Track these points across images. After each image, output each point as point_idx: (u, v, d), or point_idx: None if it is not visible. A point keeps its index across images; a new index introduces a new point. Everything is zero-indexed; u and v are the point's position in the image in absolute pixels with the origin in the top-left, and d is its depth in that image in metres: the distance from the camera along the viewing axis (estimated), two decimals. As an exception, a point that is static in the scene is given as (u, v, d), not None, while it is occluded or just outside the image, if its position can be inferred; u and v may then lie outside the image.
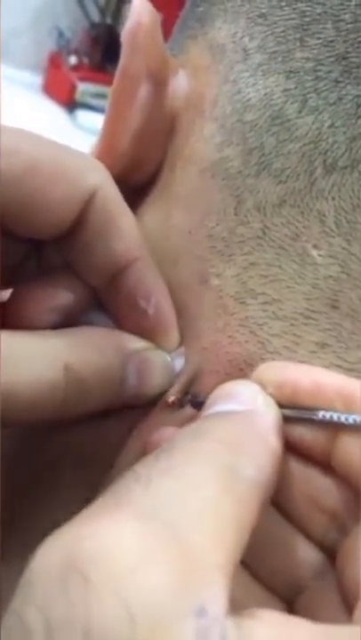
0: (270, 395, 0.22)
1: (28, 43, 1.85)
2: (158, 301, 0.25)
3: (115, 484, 0.18)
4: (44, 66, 1.92)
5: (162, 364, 0.25)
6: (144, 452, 0.23)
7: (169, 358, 0.25)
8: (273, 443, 0.21)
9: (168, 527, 0.16)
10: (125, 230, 0.25)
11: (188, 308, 0.26)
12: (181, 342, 0.26)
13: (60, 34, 1.92)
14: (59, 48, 1.93)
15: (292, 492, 0.22)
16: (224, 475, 0.18)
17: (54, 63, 1.92)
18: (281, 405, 0.22)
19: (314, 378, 0.22)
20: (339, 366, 0.24)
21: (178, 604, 0.15)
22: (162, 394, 0.25)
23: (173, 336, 0.26)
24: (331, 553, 0.22)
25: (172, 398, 0.25)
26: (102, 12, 1.93)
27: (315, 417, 0.22)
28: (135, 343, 0.25)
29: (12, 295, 0.24)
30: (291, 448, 0.22)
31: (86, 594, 0.15)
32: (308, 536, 0.23)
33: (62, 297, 0.26)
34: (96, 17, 1.94)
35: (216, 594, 0.15)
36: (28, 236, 0.25)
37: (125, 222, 0.25)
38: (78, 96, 1.86)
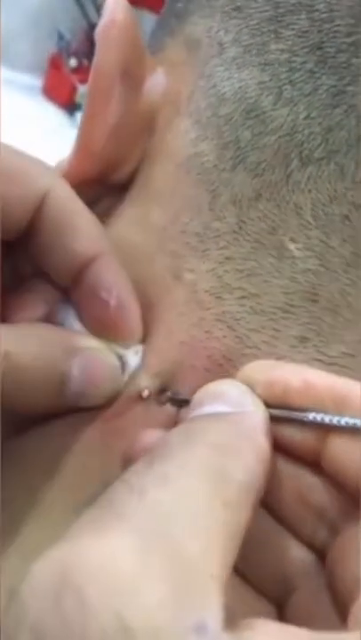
0: (259, 395, 0.22)
1: (27, 45, 1.85)
2: (120, 293, 0.25)
3: (105, 493, 0.18)
4: (44, 68, 1.92)
5: (110, 364, 0.25)
6: (126, 456, 0.23)
7: (117, 362, 0.25)
8: (262, 444, 0.21)
9: (163, 541, 0.16)
10: (82, 228, 0.25)
11: (161, 303, 0.25)
12: (145, 338, 0.25)
13: (60, 36, 1.92)
14: (59, 50, 1.93)
15: (281, 493, 0.22)
16: (216, 481, 0.18)
17: (54, 65, 1.92)
18: (269, 405, 0.22)
19: (304, 378, 0.22)
20: (320, 360, 0.24)
21: (177, 620, 0.15)
22: (109, 397, 0.25)
23: (136, 329, 0.25)
24: (320, 553, 0.22)
25: (146, 392, 0.25)
26: (101, 13, 1.93)
27: (305, 418, 0.21)
28: (85, 342, 0.25)
29: None
30: (279, 448, 0.22)
31: (82, 612, 0.14)
32: (298, 536, 0.22)
33: (40, 307, 0.26)
34: (95, 19, 1.94)
35: (214, 607, 0.15)
36: None
37: (82, 221, 0.25)
38: (78, 98, 1.85)
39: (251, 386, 0.22)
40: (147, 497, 0.17)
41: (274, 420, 0.22)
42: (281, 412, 0.22)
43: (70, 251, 0.25)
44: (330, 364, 0.24)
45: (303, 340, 0.24)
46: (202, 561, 0.16)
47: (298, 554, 0.22)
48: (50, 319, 0.26)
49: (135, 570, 0.15)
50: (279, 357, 0.24)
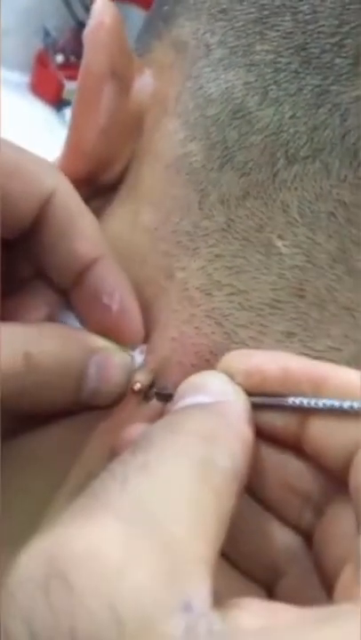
0: (239, 384, 0.23)
1: (14, 43, 1.84)
2: (122, 297, 0.25)
3: (91, 484, 0.18)
4: (31, 65, 1.91)
5: (122, 364, 0.25)
6: (113, 450, 0.24)
7: (129, 359, 0.26)
8: (245, 431, 0.21)
9: (149, 525, 0.16)
10: (86, 230, 0.25)
11: (155, 303, 0.26)
12: (146, 338, 0.26)
13: (47, 33, 1.91)
14: (45, 47, 1.92)
15: (266, 478, 0.23)
16: (200, 467, 0.18)
17: (41, 62, 1.91)
18: (250, 393, 0.22)
19: (281, 364, 0.22)
20: (306, 355, 0.24)
21: (164, 601, 0.15)
22: (120, 396, 0.26)
23: (137, 331, 0.26)
24: (307, 535, 0.23)
25: (138, 385, 0.25)
26: (88, 10, 1.93)
27: (285, 403, 0.22)
28: (98, 342, 0.25)
29: None
30: (262, 434, 0.22)
31: (70, 600, 0.15)
32: (284, 520, 0.23)
33: (42, 309, 0.26)
34: (82, 16, 1.93)
35: (201, 588, 0.15)
36: None
37: (85, 222, 0.25)
38: (66, 94, 1.85)
39: (230, 375, 0.23)
40: (128, 483, 0.17)
41: (255, 407, 0.22)
42: (261, 399, 0.22)
43: (72, 252, 0.25)
44: (316, 358, 0.24)
45: (290, 335, 0.24)
46: (187, 544, 0.16)
47: (285, 538, 0.23)
48: (51, 321, 0.26)
49: (121, 555, 0.15)
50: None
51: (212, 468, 0.18)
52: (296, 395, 0.22)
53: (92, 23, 0.27)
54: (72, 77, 1.92)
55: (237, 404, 0.22)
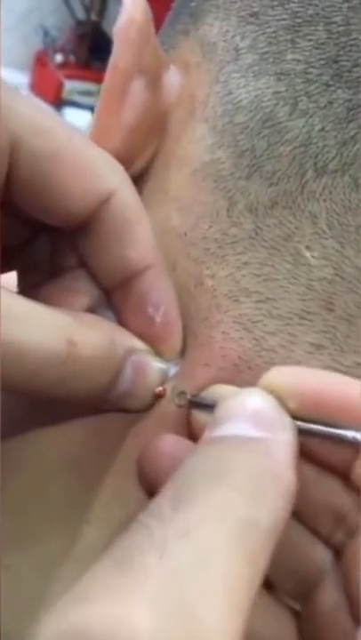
0: (287, 408, 0.21)
1: (14, 42, 1.84)
2: (167, 311, 0.25)
3: (125, 540, 0.17)
4: (31, 65, 1.91)
5: (159, 370, 0.25)
6: (140, 461, 0.23)
7: (166, 368, 0.25)
8: (289, 482, 0.20)
9: (182, 613, 0.16)
10: (141, 237, 0.25)
11: (186, 310, 0.26)
12: (183, 352, 0.26)
13: (46, 32, 1.92)
14: (45, 47, 1.92)
15: (305, 494, 0.22)
16: (241, 532, 0.18)
17: (41, 62, 1.91)
18: (297, 417, 0.21)
19: (343, 392, 0.21)
20: (335, 369, 0.24)
21: None
22: (149, 404, 0.25)
23: (176, 347, 0.25)
24: (337, 552, 0.22)
25: (159, 388, 0.25)
26: (87, 9, 1.93)
27: (344, 438, 0.21)
28: (138, 344, 0.25)
29: (33, 296, 0.24)
30: (307, 455, 0.22)
31: None
32: (316, 534, 0.23)
33: (81, 302, 0.25)
34: (81, 15, 1.93)
35: None
36: (39, 218, 0.24)
37: (141, 229, 0.25)
38: (65, 94, 1.85)
39: (278, 396, 0.22)
40: (167, 554, 0.16)
41: (303, 432, 0.21)
42: (314, 427, 0.21)
43: (124, 257, 0.25)
44: (345, 374, 0.24)
45: (319, 347, 0.24)
46: (217, 633, 0.16)
47: (316, 552, 0.23)
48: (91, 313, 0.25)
49: None
50: (296, 363, 0.24)
51: (253, 532, 0.18)
52: (356, 428, 0.21)
53: (122, 19, 0.26)
54: (71, 77, 1.92)
55: (286, 442, 0.21)
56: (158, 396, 0.25)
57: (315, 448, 0.22)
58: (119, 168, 0.25)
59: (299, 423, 0.21)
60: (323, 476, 0.22)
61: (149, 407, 0.25)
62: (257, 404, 0.21)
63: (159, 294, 0.25)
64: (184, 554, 0.17)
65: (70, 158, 0.23)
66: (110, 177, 0.24)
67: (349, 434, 0.21)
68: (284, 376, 0.22)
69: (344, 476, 0.22)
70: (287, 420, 0.21)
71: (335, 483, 0.22)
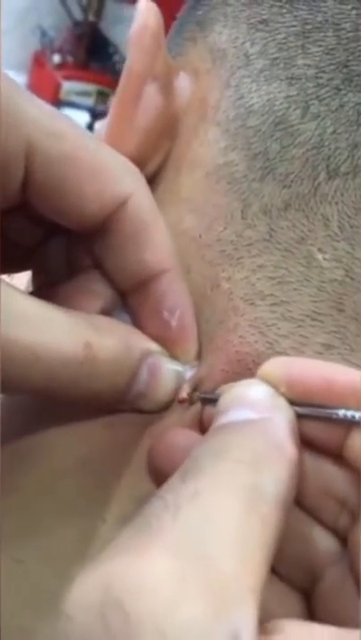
0: (283, 394, 0.22)
1: (11, 43, 1.84)
2: (182, 315, 0.25)
3: (143, 509, 0.18)
4: (29, 66, 1.91)
5: (174, 372, 0.25)
6: (150, 451, 0.24)
7: (181, 370, 0.26)
8: (290, 451, 0.21)
9: (199, 559, 0.17)
10: (157, 241, 0.25)
11: (201, 313, 0.26)
12: (198, 355, 0.26)
13: (44, 33, 1.91)
14: (42, 47, 1.92)
15: (305, 483, 0.23)
16: (248, 496, 0.18)
17: (38, 62, 1.91)
18: (293, 402, 0.22)
19: (325, 375, 0.22)
20: None
21: (214, 632, 0.15)
22: (168, 404, 0.26)
23: (192, 350, 0.26)
24: (343, 539, 0.23)
25: (183, 394, 0.25)
26: (85, 10, 1.93)
27: (333, 416, 0.22)
28: (153, 346, 0.25)
29: (47, 296, 0.24)
30: (303, 441, 0.22)
31: (127, 629, 0.15)
32: (321, 523, 0.23)
33: (96, 303, 0.26)
34: (79, 15, 1.93)
35: (248, 618, 0.16)
36: (54, 220, 0.25)
37: (158, 233, 0.25)
38: (63, 95, 1.85)
39: (272, 384, 0.23)
40: (180, 514, 0.17)
41: (299, 416, 0.22)
42: (307, 409, 0.22)
43: (140, 260, 0.25)
44: None
45: (329, 347, 0.25)
46: (235, 577, 0.17)
47: (323, 540, 0.23)
48: (105, 315, 0.26)
49: (173, 589, 0.16)
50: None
51: (259, 496, 0.19)
52: (340, 406, 0.22)
53: (136, 25, 0.27)
54: (69, 78, 1.92)
55: (283, 420, 0.22)
56: (182, 402, 0.25)
57: (310, 432, 0.22)
58: (134, 170, 0.25)
59: (294, 408, 0.22)
60: (321, 462, 0.23)
61: (165, 408, 0.26)
62: (254, 392, 0.22)
63: (175, 298, 0.25)
64: (196, 513, 0.18)
65: (85, 161, 0.24)
66: (126, 179, 0.24)
67: (340, 412, 0.22)
68: (275, 365, 0.23)
69: (339, 457, 0.22)
70: (283, 402, 0.22)
71: (334, 468, 0.23)
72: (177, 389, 0.25)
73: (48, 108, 0.24)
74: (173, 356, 0.26)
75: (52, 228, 0.26)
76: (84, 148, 0.24)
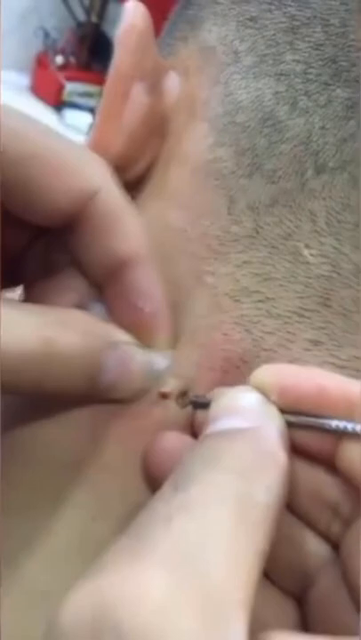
0: (274, 402, 0.22)
1: (14, 44, 1.84)
2: (155, 302, 0.25)
3: (136, 520, 0.18)
4: (31, 67, 1.92)
5: (143, 361, 0.25)
6: (145, 455, 0.24)
7: (151, 359, 0.25)
8: (280, 459, 0.21)
9: (191, 571, 0.17)
10: (128, 231, 0.25)
11: (183, 306, 0.26)
12: (175, 343, 0.26)
13: (46, 34, 1.92)
14: (45, 48, 1.92)
15: (297, 490, 0.23)
16: (239, 505, 0.18)
17: (41, 64, 1.91)
18: (285, 411, 0.22)
19: (317, 382, 0.22)
20: (332, 363, 0.24)
21: None
22: (139, 392, 0.25)
23: (166, 337, 0.26)
24: (335, 545, 0.23)
25: (167, 389, 0.25)
26: (87, 11, 1.93)
27: (325, 426, 0.22)
28: (120, 336, 0.25)
29: (24, 295, 0.24)
30: (295, 449, 0.22)
31: None
32: (314, 529, 0.23)
33: (72, 296, 0.26)
34: (81, 16, 1.94)
35: (238, 628, 0.16)
36: (30, 221, 0.25)
37: (128, 224, 0.25)
38: (65, 96, 1.85)
39: (264, 392, 0.23)
40: (172, 525, 0.17)
41: (290, 425, 0.22)
42: (298, 418, 0.22)
43: (110, 249, 0.25)
44: (342, 367, 0.24)
45: (316, 343, 0.25)
46: (227, 588, 0.17)
47: (315, 547, 0.23)
48: (79, 309, 0.26)
49: (166, 602, 0.16)
50: (293, 360, 0.25)
51: (249, 505, 0.19)
52: (331, 416, 0.22)
53: (123, 25, 0.27)
54: (72, 79, 1.92)
55: (273, 429, 0.22)
56: (163, 397, 0.25)
57: (302, 439, 0.22)
58: (101, 165, 0.25)
59: (286, 416, 0.22)
60: (314, 469, 0.23)
61: (139, 397, 0.25)
62: (245, 400, 0.23)
63: (147, 286, 0.25)
64: (187, 523, 0.18)
65: (49, 158, 0.24)
66: (93, 176, 0.25)
67: (333, 422, 0.22)
68: (268, 373, 0.23)
69: (332, 465, 0.22)
70: (274, 410, 0.22)
71: (326, 476, 0.23)
72: (150, 379, 0.25)
73: (8, 108, 0.24)
74: (149, 346, 0.26)
75: (36, 233, 0.26)
76: (47, 144, 0.24)
